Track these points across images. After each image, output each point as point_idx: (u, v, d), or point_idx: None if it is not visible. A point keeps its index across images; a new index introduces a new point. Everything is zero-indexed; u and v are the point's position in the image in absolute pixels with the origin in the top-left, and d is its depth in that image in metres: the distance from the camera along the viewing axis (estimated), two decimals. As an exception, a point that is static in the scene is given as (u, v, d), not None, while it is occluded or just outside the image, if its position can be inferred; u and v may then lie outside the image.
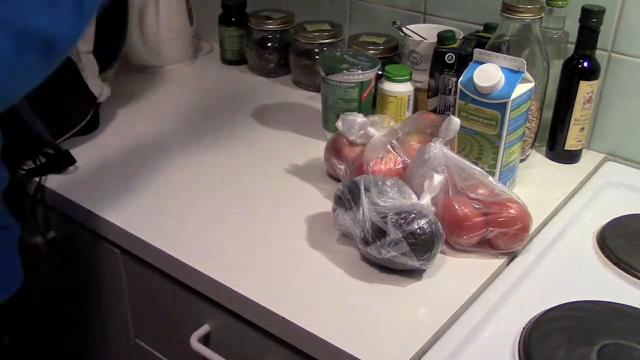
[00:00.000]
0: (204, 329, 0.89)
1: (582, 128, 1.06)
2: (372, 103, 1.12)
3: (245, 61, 1.43)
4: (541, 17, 0.96)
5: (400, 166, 0.92)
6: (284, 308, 0.76)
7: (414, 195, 0.83)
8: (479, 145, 0.92)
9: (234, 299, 0.80)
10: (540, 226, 0.93)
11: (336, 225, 0.86)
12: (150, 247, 0.88)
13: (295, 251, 0.86)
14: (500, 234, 0.83)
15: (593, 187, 1.03)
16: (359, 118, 0.95)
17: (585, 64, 1.01)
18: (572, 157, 1.08)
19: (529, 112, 0.96)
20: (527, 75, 0.90)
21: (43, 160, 1.01)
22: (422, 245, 0.78)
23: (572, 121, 1.05)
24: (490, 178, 0.86)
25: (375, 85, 1.10)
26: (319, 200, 0.96)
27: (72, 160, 1.02)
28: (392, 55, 1.21)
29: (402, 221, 0.78)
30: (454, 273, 0.83)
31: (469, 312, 0.78)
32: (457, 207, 0.84)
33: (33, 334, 1.01)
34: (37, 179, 1.00)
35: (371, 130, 0.95)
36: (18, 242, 0.87)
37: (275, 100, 1.29)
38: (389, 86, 1.09)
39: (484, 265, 0.84)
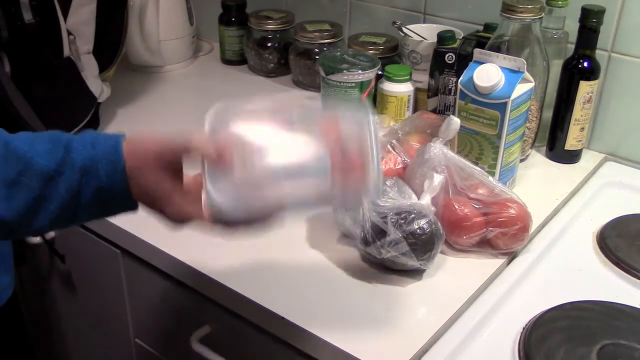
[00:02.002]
0: (204, 329, 0.89)
1: (582, 128, 1.06)
2: (372, 103, 1.12)
3: (245, 61, 1.43)
4: (541, 17, 0.96)
5: (400, 166, 0.92)
6: (284, 308, 0.76)
7: (414, 195, 0.83)
8: (479, 145, 0.92)
9: (234, 299, 0.80)
10: (540, 226, 0.93)
11: (336, 225, 0.86)
12: (150, 247, 0.88)
13: (296, 251, 0.86)
14: (500, 234, 0.83)
15: (593, 187, 1.03)
16: (359, 118, 0.95)
17: (585, 64, 1.01)
18: (572, 157, 1.08)
19: (529, 112, 0.96)
20: (527, 75, 0.90)
21: None
22: (422, 245, 0.78)
23: (572, 121, 1.05)
24: (490, 178, 0.86)
25: (375, 85, 1.10)
26: (319, 200, 0.96)
27: None
28: (392, 55, 1.21)
29: (402, 221, 0.78)
30: (454, 273, 0.83)
31: (469, 312, 0.78)
32: (457, 207, 0.84)
33: (29, 335, 1.01)
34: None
35: (371, 130, 0.95)
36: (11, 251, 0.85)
37: (275, 100, 1.29)
38: (389, 86, 1.09)
39: (484, 265, 0.84)
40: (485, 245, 0.85)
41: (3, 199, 0.56)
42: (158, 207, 0.62)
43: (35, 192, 0.57)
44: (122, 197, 0.60)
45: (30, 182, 0.56)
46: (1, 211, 0.56)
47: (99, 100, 1.12)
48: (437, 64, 1.06)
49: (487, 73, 0.88)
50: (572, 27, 1.02)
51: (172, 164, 0.60)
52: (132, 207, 0.62)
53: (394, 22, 1.17)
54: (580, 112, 1.04)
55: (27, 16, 0.94)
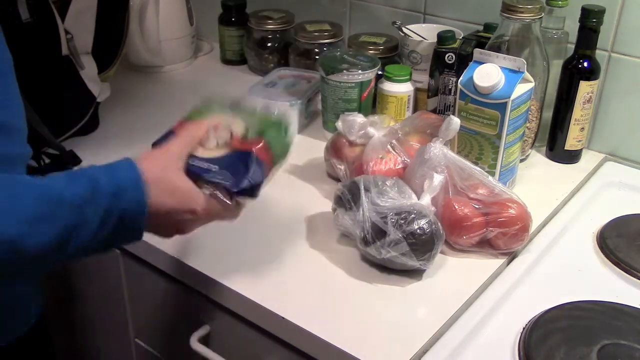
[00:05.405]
0: (204, 329, 0.89)
1: (582, 128, 1.06)
2: (372, 103, 1.12)
3: (245, 61, 1.43)
4: (541, 17, 0.96)
5: (400, 166, 0.92)
6: (284, 308, 0.76)
7: (414, 195, 0.83)
8: (479, 145, 0.92)
9: (234, 299, 0.80)
10: (540, 226, 0.93)
11: (336, 225, 0.86)
12: (150, 247, 0.88)
13: (296, 251, 0.86)
14: (500, 234, 0.83)
15: (593, 187, 1.03)
16: (359, 118, 0.95)
17: (585, 64, 1.01)
18: (572, 157, 1.08)
19: (529, 112, 0.96)
20: (527, 75, 0.90)
21: (47, 160, 1.01)
22: (422, 245, 0.78)
23: (572, 121, 1.05)
24: (490, 178, 0.86)
25: (375, 85, 1.10)
26: (319, 200, 0.96)
27: (77, 160, 1.02)
28: (392, 55, 1.21)
29: (402, 221, 0.78)
30: (454, 273, 0.83)
31: (469, 312, 0.78)
32: (457, 207, 0.84)
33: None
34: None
35: (371, 130, 0.95)
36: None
37: (275, 100, 1.29)
38: (389, 86, 1.09)
39: (484, 265, 0.84)
40: (485, 245, 0.85)
41: (37, 235, 0.56)
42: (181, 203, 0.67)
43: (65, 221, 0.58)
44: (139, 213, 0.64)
45: (61, 213, 0.57)
46: (38, 246, 0.56)
47: (99, 100, 1.12)
48: (437, 64, 1.06)
49: (487, 73, 0.88)
50: (572, 27, 1.02)
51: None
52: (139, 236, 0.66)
53: (394, 22, 1.17)
54: (580, 112, 1.04)
55: (25, 15, 0.94)
